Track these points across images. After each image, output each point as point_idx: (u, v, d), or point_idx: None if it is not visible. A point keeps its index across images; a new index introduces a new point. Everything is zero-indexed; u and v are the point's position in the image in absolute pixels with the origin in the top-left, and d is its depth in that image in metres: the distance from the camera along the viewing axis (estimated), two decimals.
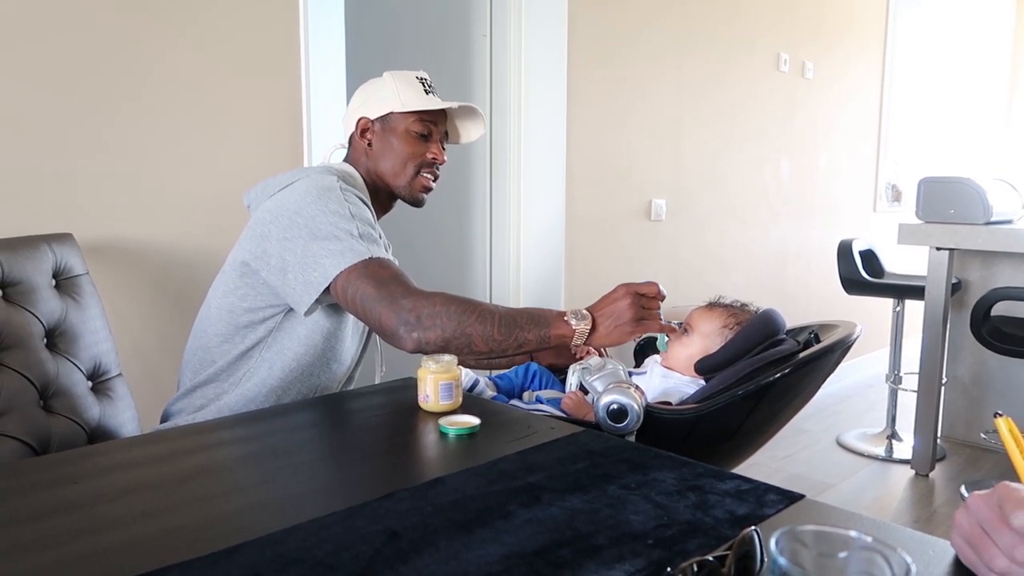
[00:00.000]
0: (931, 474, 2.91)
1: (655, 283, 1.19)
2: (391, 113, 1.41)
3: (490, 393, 1.37)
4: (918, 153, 4.72)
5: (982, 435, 3.21)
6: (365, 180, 1.43)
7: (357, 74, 3.06)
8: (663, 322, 1.20)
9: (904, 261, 3.72)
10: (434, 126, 1.43)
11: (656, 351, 1.60)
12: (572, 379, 1.37)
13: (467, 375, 1.33)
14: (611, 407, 1.16)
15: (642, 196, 2.98)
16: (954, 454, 3.16)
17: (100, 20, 1.63)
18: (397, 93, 1.42)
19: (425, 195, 1.46)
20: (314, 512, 0.75)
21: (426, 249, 2.92)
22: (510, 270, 2.76)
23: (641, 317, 1.16)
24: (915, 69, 4.61)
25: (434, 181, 1.45)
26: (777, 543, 0.43)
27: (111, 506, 0.80)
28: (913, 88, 4.61)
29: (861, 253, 3.25)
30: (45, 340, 1.37)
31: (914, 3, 4.48)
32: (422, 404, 1.09)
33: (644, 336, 1.70)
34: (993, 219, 2.72)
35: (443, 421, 1.02)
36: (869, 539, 0.44)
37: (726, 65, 3.28)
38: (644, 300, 1.18)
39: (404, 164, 1.41)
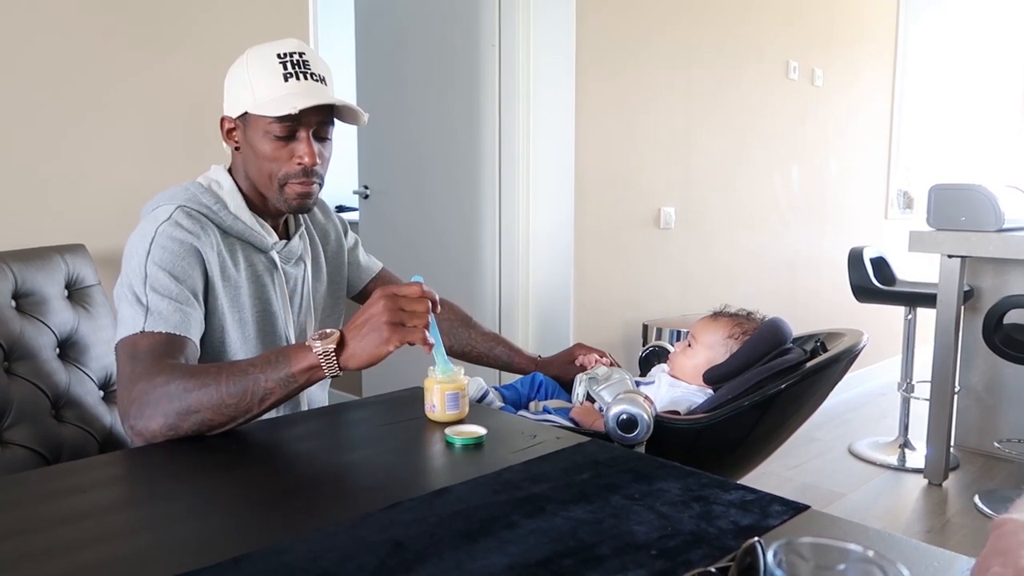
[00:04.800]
0: (944, 483, 2.89)
1: (417, 283, 1.01)
2: (248, 112, 1.18)
3: (497, 404, 1.37)
4: (930, 160, 4.70)
5: (996, 444, 3.18)
6: (247, 185, 1.26)
7: (367, 83, 3.09)
8: (431, 335, 1.00)
9: (916, 268, 3.70)
10: (298, 123, 1.17)
11: (662, 360, 1.60)
12: (579, 389, 1.37)
13: (478, 386, 1.34)
14: (621, 417, 1.16)
15: (651, 204, 2.98)
16: (968, 463, 3.13)
17: (108, 30, 1.65)
18: (250, 84, 1.17)
19: (307, 201, 1.22)
20: (319, 522, 0.76)
21: (435, 257, 2.93)
22: (519, 277, 2.77)
23: (398, 322, 0.97)
24: (926, 76, 4.59)
25: (314, 186, 1.22)
26: (775, 555, 0.44)
27: (120, 516, 0.81)
28: (924, 95, 4.59)
29: (872, 261, 3.24)
30: (57, 350, 1.38)
31: (925, 9, 4.47)
32: (428, 414, 1.10)
33: (645, 349, 1.69)
34: (1005, 226, 2.70)
35: (449, 431, 1.02)
36: (868, 552, 0.45)
37: (735, 73, 3.28)
38: (404, 303, 0.98)
39: (269, 176, 1.20)
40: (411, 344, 0.98)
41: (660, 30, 2.92)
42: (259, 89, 1.17)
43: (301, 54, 1.18)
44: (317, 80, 1.19)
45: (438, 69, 2.86)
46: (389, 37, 3.01)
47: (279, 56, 1.17)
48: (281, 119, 1.16)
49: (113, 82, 1.66)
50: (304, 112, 1.15)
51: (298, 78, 1.17)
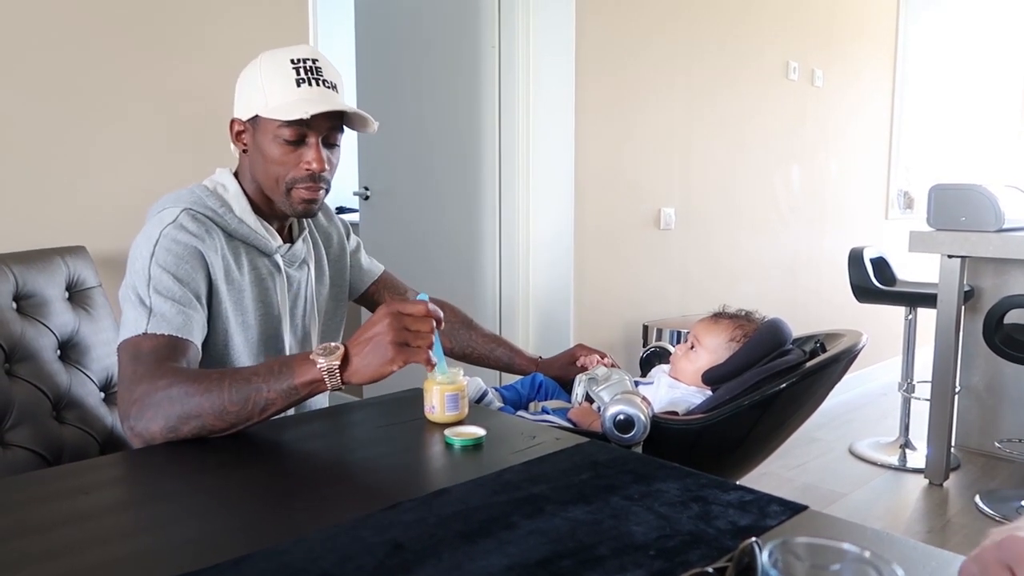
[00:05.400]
0: (945, 483, 2.89)
1: (423, 302, 1.00)
2: (258, 115, 1.19)
3: (497, 404, 1.38)
4: (930, 160, 4.70)
5: (996, 444, 3.18)
6: (252, 188, 1.26)
7: (367, 84, 3.09)
8: (434, 355, 1.00)
9: (916, 268, 3.70)
10: (308, 128, 1.18)
11: (663, 360, 1.60)
12: (578, 389, 1.37)
13: (476, 386, 1.34)
14: (618, 417, 1.17)
15: (651, 205, 2.98)
16: (968, 463, 3.13)
17: (108, 32, 1.65)
18: (263, 88, 1.17)
19: (312, 206, 1.24)
20: (319, 523, 0.76)
21: (436, 258, 2.93)
22: (519, 278, 2.77)
23: (403, 341, 0.97)
24: (926, 76, 4.59)
25: (320, 191, 1.23)
26: (770, 555, 0.44)
27: (121, 517, 0.81)
28: (925, 95, 4.60)
29: (872, 261, 3.24)
30: (58, 352, 1.39)
31: (925, 10, 4.47)
32: (428, 415, 1.10)
33: (646, 350, 1.69)
34: (1005, 226, 2.70)
35: (449, 432, 1.02)
36: (864, 552, 0.45)
37: (735, 73, 3.28)
38: (409, 321, 0.98)
39: (276, 179, 1.20)
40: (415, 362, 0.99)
41: (660, 31, 2.92)
42: (271, 93, 1.17)
43: (314, 60, 1.19)
44: (329, 87, 1.20)
45: (438, 70, 2.87)
46: (389, 38, 3.01)
47: (292, 61, 1.17)
48: (291, 123, 1.16)
49: (114, 84, 1.66)
50: (314, 118, 1.16)
51: (310, 84, 1.17)
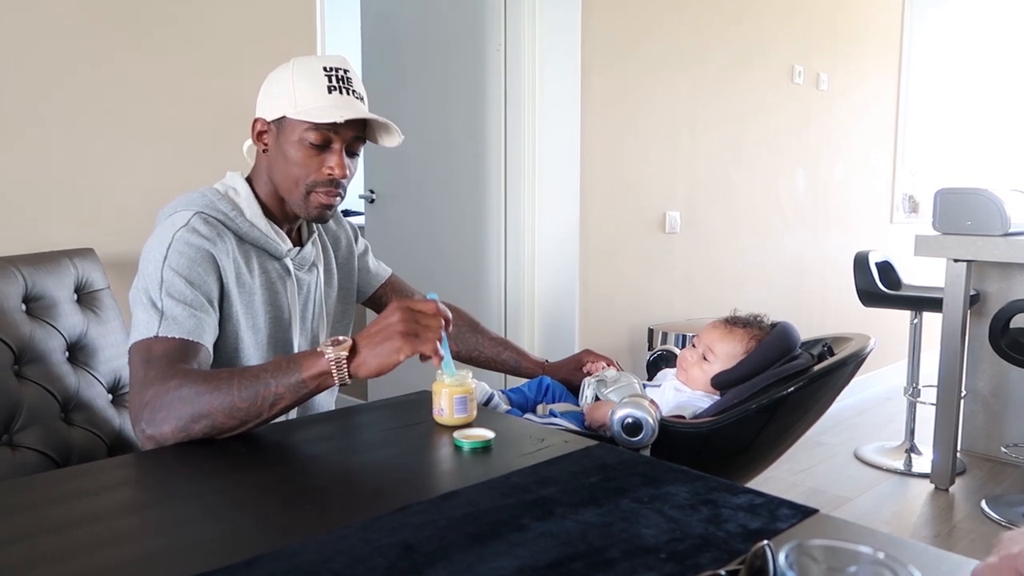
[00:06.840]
0: (951, 488, 2.88)
1: (433, 301, 1.03)
2: (285, 116, 1.21)
3: (504, 407, 1.38)
4: (935, 164, 4.69)
5: (1003, 448, 3.17)
6: (266, 191, 1.28)
7: (373, 88, 3.10)
8: (442, 349, 1.02)
9: (922, 272, 3.69)
10: (335, 133, 1.20)
11: (669, 364, 1.60)
12: (587, 392, 1.37)
13: (483, 390, 1.34)
14: (626, 420, 1.17)
15: (656, 209, 2.98)
16: (974, 468, 3.12)
17: (119, 36, 1.66)
18: (293, 91, 1.20)
19: (327, 212, 1.25)
20: (330, 525, 0.76)
21: (441, 262, 2.94)
22: (525, 282, 2.77)
23: (412, 332, 0.99)
24: (932, 79, 4.59)
25: (337, 198, 1.25)
26: (787, 557, 0.44)
27: (131, 518, 0.81)
28: (930, 98, 4.59)
29: (878, 265, 3.23)
30: (67, 354, 1.39)
31: (930, 12, 4.47)
32: (436, 417, 1.10)
33: (653, 353, 1.69)
34: (1011, 230, 2.70)
35: (457, 434, 1.03)
36: (880, 554, 0.45)
37: (740, 77, 3.29)
38: (420, 316, 1.01)
39: (296, 181, 1.22)
40: (422, 356, 1.01)
41: (665, 35, 2.93)
42: (301, 96, 1.19)
43: (345, 71, 1.22)
44: (358, 98, 1.23)
45: (444, 72, 2.87)
46: (395, 40, 3.02)
47: (325, 69, 1.20)
48: (320, 127, 1.18)
49: (121, 86, 1.67)
50: (341, 126, 1.19)
51: (341, 92, 1.20)
